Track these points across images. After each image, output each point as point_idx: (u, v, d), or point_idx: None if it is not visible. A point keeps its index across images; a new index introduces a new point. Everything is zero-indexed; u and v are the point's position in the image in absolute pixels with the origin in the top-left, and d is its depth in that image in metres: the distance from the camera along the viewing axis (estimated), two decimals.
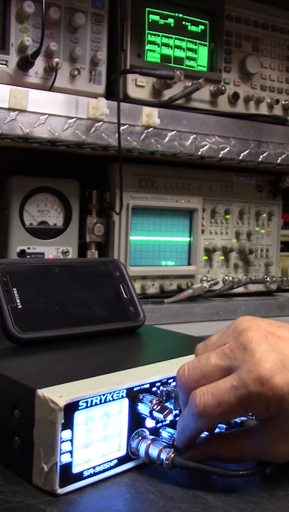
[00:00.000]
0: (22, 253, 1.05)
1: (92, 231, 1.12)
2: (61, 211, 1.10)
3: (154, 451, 0.48)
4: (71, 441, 0.45)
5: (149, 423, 0.51)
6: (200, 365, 0.47)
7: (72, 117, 0.94)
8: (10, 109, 0.88)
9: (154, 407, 0.49)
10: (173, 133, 1.05)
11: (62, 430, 0.44)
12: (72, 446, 0.45)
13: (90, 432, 0.47)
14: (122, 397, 0.49)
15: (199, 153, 1.08)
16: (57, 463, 0.44)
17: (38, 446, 0.45)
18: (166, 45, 1.09)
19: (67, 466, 0.45)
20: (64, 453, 0.45)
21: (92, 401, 0.46)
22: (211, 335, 0.52)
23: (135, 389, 0.50)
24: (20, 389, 0.48)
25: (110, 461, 0.48)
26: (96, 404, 0.47)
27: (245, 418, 0.59)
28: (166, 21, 1.09)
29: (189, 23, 1.12)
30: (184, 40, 1.11)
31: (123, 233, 1.12)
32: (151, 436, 0.50)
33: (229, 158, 1.13)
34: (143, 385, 0.51)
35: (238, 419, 0.58)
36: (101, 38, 1.01)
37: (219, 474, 0.48)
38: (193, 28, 1.12)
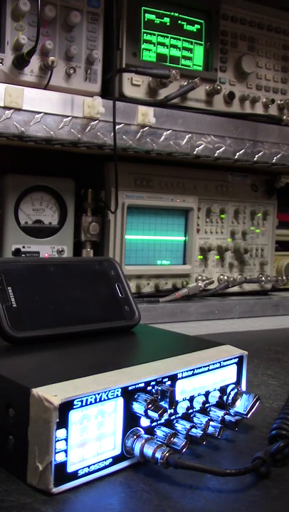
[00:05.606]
0: (17, 252, 1.05)
1: (88, 230, 1.12)
2: (56, 210, 1.10)
3: (148, 450, 0.48)
4: (66, 440, 0.45)
5: (144, 422, 0.51)
6: None
7: (68, 116, 0.94)
8: (5, 108, 0.88)
9: (149, 406, 0.49)
10: (168, 132, 1.05)
11: (57, 429, 0.44)
12: (67, 445, 0.45)
13: (84, 430, 0.47)
14: (117, 396, 0.49)
15: (195, 152, 1.09)
16: (52, 462, 0.44)
17: (33, 445, 0.45)
18: (162, 44, 1.09)
19: (62, 465, 0.45)
20: (59, 452, 0.45)
21: (87, 400, 0.46)
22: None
23: (130, 388, 0.50)
24: (14, 388, 0.48)
25: (105, 460, 0.49)
26: (91, 403, 0.47)
27: (239, 417, 0.59)
28: (162, 20, 1.09)
29: (185, 23, 1.12)
30: (179, 40, 1.11)
31: (118, 232, 1.12)
32: (146, 436, 0.50)
33: (224, 157, 1.13)
34: (138, 384, 0.51)
35: (232, 418, 0.58)
36: (97, 37, 1.01)
37: (214, 473, 0.48)
38: (189, 28, 1.12)
